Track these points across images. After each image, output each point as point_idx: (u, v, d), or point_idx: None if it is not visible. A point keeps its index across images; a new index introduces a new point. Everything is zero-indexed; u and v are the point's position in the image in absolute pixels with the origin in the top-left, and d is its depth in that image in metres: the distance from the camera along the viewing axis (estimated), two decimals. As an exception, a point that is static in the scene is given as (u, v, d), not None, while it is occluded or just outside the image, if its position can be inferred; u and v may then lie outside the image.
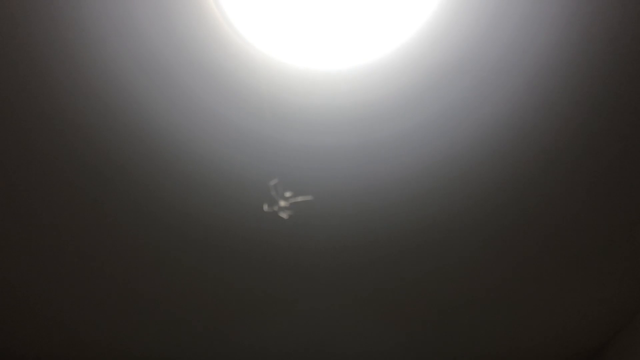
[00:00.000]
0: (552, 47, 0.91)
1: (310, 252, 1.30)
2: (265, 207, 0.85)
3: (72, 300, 1.42)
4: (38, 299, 1.41)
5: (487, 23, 0.88)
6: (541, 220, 1.22)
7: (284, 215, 0.83)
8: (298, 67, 0.93)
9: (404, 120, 1.03)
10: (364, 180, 1.13)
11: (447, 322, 1.53)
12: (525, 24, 0.88)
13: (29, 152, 1.05)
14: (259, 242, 1.27)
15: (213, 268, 1.34)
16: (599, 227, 1.24)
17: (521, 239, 1.27)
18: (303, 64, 0.92)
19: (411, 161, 1.10)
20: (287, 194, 0.84)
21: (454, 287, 1.41)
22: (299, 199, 0.89)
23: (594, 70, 0.95)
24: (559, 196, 1.17)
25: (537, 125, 1.03)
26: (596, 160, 1.10)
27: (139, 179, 1.11)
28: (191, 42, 0.90)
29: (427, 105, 1.00)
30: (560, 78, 0.96)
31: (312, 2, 0.82)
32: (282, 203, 0.82)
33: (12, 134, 1.02)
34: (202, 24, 0.87)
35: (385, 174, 1.12)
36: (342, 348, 1.64)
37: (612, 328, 1.57)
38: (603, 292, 1.44)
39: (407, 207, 1.19)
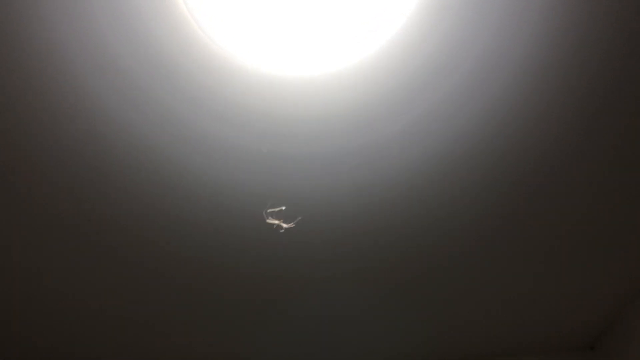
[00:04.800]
0: (536, 45, 0.92)
1: (302, 258, 1.32)
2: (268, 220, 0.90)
3: (69, 307, 1.42)
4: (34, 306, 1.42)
5: (467, 22, 0.88)
6: (533, 214, 1.24)
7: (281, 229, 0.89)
8: (276, 74, 0.92)
9: (387, 124, 1.03)
10: (347, 186, 1.14)
11: (438, 313, 1.55)
12: (507, 22, 0.88)
13: (15, 163, 1.05)
14: (247, 249, 1.28)
15: (196, 277, 1.35)
16: (591, 221, 1.26)
17: (514, 233, 1.28)
18: (281, 70, 0.91)
19: (397, 164, 1.11)
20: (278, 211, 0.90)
21: (450, 282, 1.43)
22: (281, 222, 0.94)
23: (582, 68, 0.96)
24: (550, 191, 1.18)
25: (526, 123, 1.05)
26: (586, 157, 1.12)
27: (117, 188, 1.11)
28: (167, 55, 0.90)
29: (411, 108, 1.01)
30: (547, 75, 0.96)
31: (290, 8, 0.82)
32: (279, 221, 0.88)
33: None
34: (177, 34, 0.87)
35: (371, 178, 1.13)
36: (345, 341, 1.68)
37: (607, 320, 1.60)
38: (596, 285, 1.46)
39: (397, 209, 1.20)
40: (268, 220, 0.88)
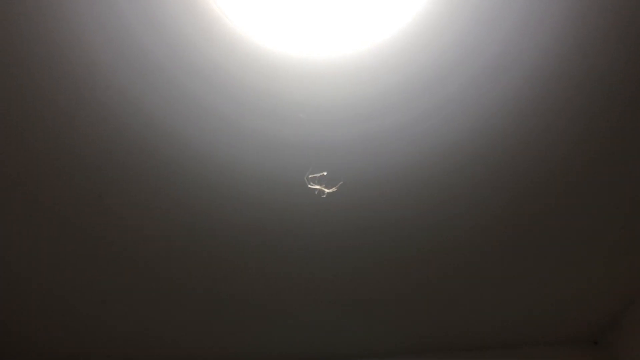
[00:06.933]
0: (550, 43, 0.93)
1: (309, 246, 1.32)
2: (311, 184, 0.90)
3: (79, 295, 1.42)
4: (43, 297, 1.42)
5: (486, 14, 0.88)
6: (540, 211, 1.25)
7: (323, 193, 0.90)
8: (296, 56, 0.91)
9: (401, 113, 1.03)
10: (359, 172, 1.13)
11: (445, 305, 1.56)
12: (523, 18, 0.89)
13: (27, 153, 1.05)
14: (260, 237, 1.28)
15: (216, 265, 1.35)
16: (597, 218, 1.27)
17: (522, 229, 1.29)
18: (301, 53, 0.91)
19: (409, 153, 1.11)
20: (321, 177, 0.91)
21: (458, 277, 1.45)
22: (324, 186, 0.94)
23: (592, 69, 0.97)
24: (554, 187, 1.19)
25: (534, 120, 1.05)
26: (590, 155, 1.13)
27: (140, 177, 1.12)
28: (184, 35, 0.89)
29: (424, 97, 1.00)
30: (558, 74, 0.97)
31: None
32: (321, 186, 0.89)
33: (10, 135, 1.02)
34: (197, 18, 0.87)
35: (381, 166, 1.13)
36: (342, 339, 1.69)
37: (611, 315, 1.62)
38: (601, 281, 1.48)
39: (403, 200, 1.21)
40: (310, 186, 0.89)
